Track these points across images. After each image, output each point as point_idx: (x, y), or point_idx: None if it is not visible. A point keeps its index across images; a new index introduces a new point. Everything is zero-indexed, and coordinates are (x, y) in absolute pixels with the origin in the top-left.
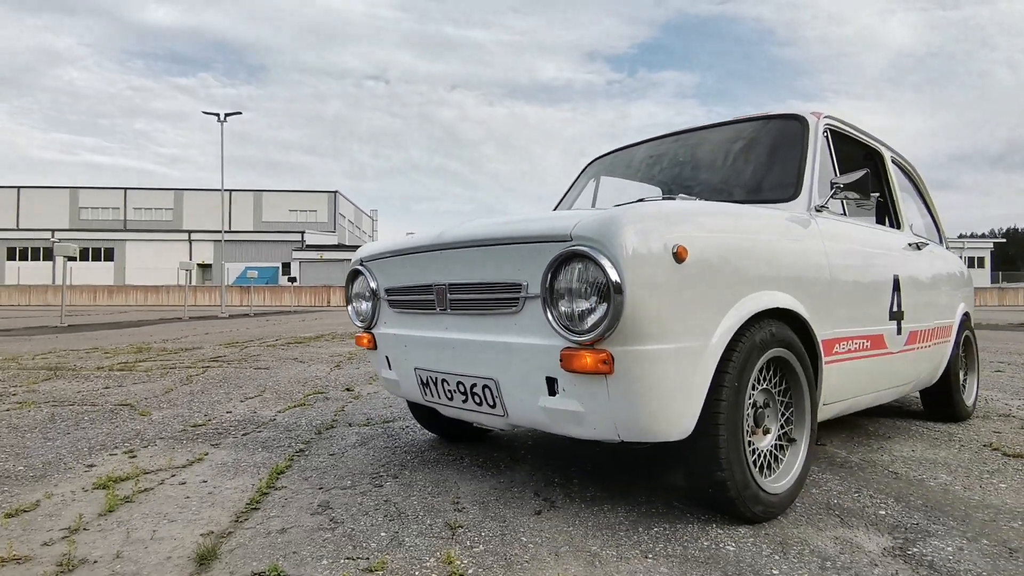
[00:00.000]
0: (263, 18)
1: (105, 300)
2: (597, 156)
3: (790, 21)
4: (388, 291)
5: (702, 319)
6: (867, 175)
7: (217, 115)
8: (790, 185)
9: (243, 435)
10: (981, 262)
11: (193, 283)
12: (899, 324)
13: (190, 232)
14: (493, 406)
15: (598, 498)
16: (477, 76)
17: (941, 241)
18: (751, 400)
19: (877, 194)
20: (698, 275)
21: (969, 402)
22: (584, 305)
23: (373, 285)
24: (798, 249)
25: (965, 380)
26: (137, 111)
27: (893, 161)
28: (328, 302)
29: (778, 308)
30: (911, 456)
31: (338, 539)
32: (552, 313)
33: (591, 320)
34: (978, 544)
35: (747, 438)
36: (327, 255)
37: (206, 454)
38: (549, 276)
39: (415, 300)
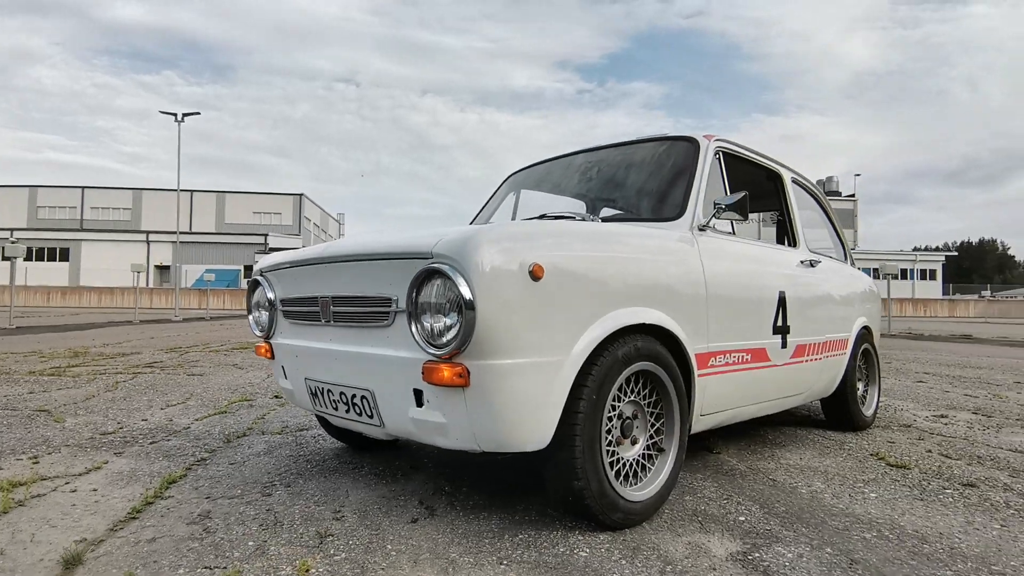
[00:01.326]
0: (232, 17)
1: (58, 302)
2: (515, 170)
3: (756, 37)
4: (283, 302)
5: (559, 335)
6: (745, 196)
7: (174, 115)
8: (677, 204)
9: (150, 443)
10: (933, 275)
11: (150, 285)
12: (784, 338)
13: (148, 233)
14: (371, 416)
15: (479, 506)
16: (449, 82)
17: (846, 257)
18: (617, 412)
19: (776, 213)
20: (555, 293)
21: (868, 412)
22: (443, 320)
23: (271, 295)
24: (673, 266)
25: (865, 391)
26: (100, 109)
27: (794, 181)
28: None
29: (644, 324)
30: (796, 464)
31: (204, 548)
32: (416, 327)
33: (448, 335)
34: (820, 552)
35: (608, 448)
36: None
37: (106, 462)
38: (413, 292)
39: (305, 311)
